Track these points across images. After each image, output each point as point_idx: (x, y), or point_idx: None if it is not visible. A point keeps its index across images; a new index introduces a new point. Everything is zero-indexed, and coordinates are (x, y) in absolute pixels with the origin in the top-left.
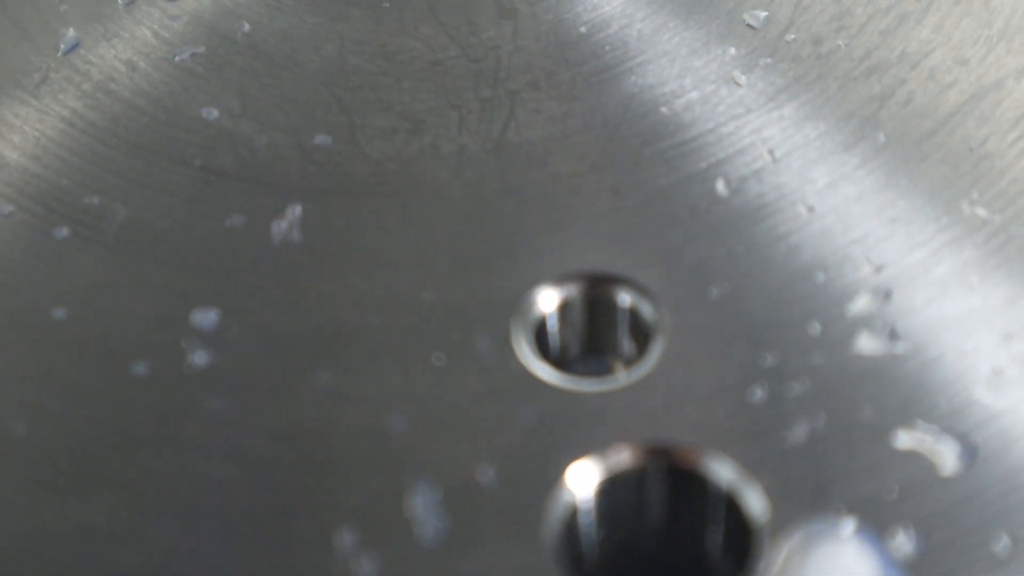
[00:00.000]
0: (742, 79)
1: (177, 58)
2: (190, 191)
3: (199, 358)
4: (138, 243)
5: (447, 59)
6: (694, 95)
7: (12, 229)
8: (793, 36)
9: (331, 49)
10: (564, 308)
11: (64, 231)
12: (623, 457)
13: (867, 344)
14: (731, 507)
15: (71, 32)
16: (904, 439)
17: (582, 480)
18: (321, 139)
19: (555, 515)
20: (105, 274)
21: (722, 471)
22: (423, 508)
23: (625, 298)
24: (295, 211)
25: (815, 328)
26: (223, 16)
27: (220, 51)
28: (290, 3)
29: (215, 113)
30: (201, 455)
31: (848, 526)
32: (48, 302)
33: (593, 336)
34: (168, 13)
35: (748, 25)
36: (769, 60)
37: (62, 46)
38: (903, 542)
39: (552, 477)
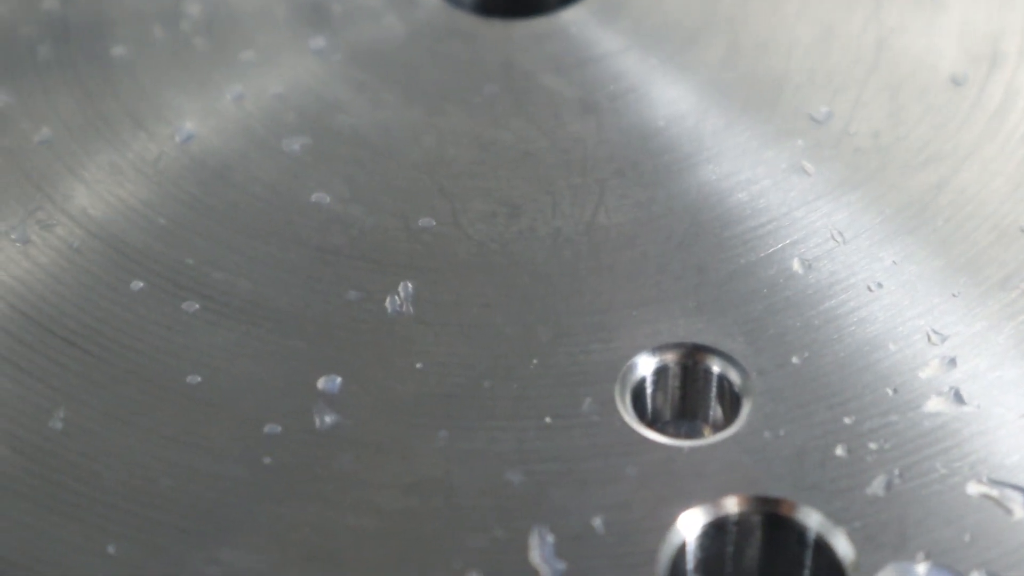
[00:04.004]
0: (810, 168)
1: (286, 148)
2: (308, 269)
3: (327, 419)
4: (263, 316)
5: (538, 150)
6: (767, 182)
7: (145, 303)
8: (855, 129)
9: (429, 140)
10: (660, 374)
11: (195, 305)
12: (721, 506)
13: (936, 406)
14: (819, 552)
15: (187, 124)
16: (973, 489)
17: (684, 527)
18: (425, 222)
19: (660, 559)
20: (235, 344)
21: (810, 519)
22: (541, 553)
23: (714, 365)
24: (407, 287)
25: (888, 392)
26: (327, 110)
27: (326, 142)
28: (389, 99)
29: (326, 198)
30: (334, 506)
31: (926, 568)
32: (184, 369)
33: (686, 399)
34: (275, 107)
35: (813, 119)
36: (834, 151)
37: (178, 137)
38: None
39: (656, 525)
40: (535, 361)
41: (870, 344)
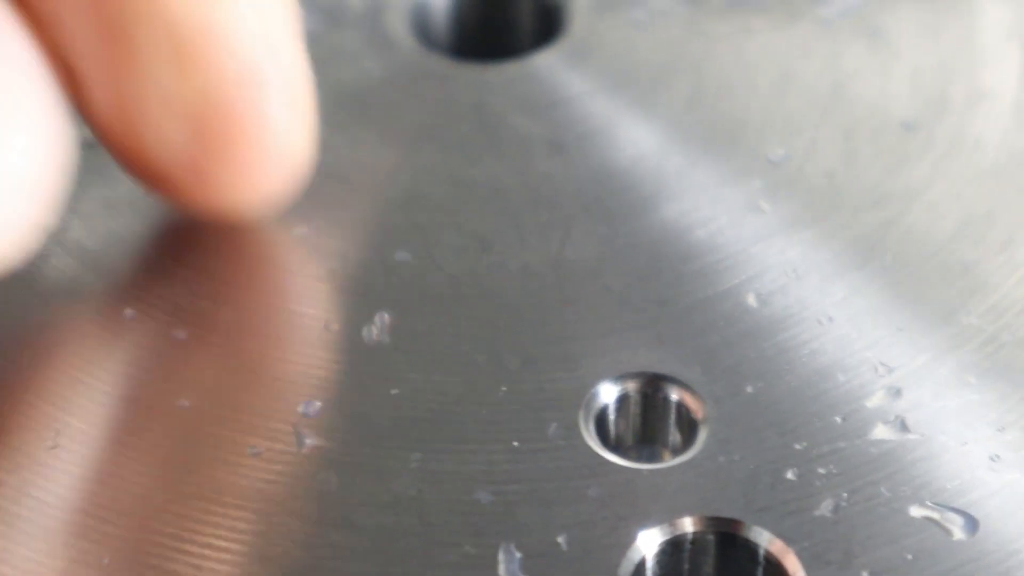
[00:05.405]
0: (766, 207)
1: None
2: (290, 300)
3: (308, 441)
4: (248, 343)
5: (508, 187)
6: (724, 220)
7: (137, 330)
8: (809, 170)
9: (405, 178)
10: (621, 401)
11: (182, 333)
12: (678, 526)
13: (882, 433)
14: (770, 569)
15: None
16: (916, 512)
17: (643, 545)
18: (401, 256)
19: (620, 574)
20: (221, 370)
21: (762, 538)
22: (508, 568)
23: (673, 393)
24: (383, 317)
25: (837, 420)
26: None
27: (307, 179)
28: (366, 138)
29: (307, 233)
30: (313, 522)
31: None
32: (174, 393)
33: (646, 425)
34: None
35: (769, 160)
36: (789, 191)
37: None
38: None
39: (617, 543)
40: (504, 388)
41: (820, 375)
